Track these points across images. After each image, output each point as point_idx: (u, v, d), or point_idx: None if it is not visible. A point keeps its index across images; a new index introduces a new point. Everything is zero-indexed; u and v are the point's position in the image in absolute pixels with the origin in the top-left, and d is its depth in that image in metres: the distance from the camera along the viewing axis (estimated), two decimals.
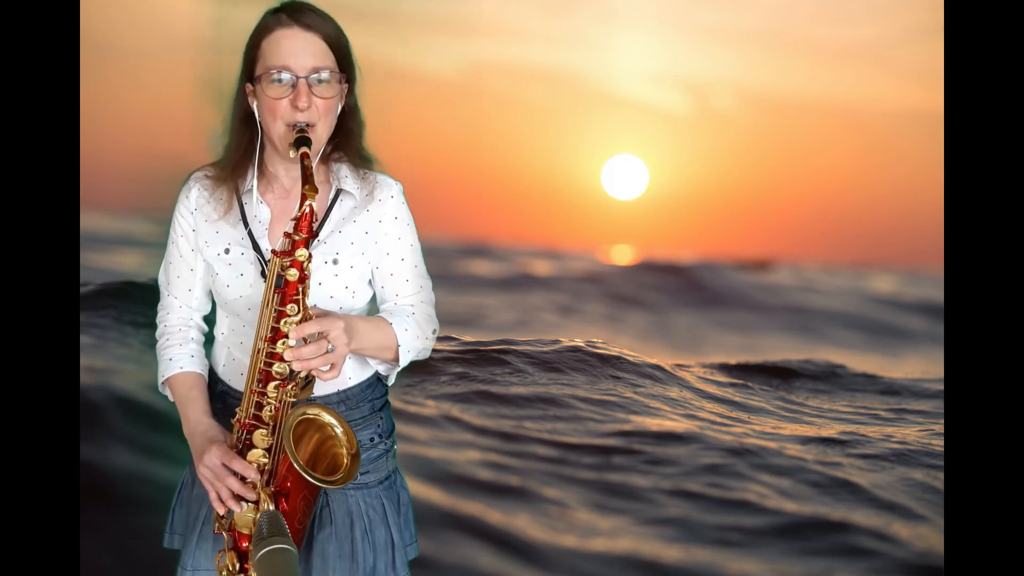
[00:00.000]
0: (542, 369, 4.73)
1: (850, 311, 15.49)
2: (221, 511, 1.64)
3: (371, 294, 1.78)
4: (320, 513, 1.72)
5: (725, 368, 5.60)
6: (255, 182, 1.72)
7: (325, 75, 1.65)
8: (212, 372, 1.81)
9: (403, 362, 1.74)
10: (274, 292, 1.59)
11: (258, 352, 1.62)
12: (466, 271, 17.74)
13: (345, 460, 1.60)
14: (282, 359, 1.59)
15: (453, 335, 5.08)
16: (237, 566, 1.63)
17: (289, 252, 1.58)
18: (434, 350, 1.83)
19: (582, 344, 5.02)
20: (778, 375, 5.61)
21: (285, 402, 1.61)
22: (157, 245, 1.85)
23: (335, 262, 1.71)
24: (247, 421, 1.63)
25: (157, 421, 3.28)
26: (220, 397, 1.77)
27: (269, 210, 1.73)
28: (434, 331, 1.79)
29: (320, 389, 1.72)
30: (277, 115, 1.65)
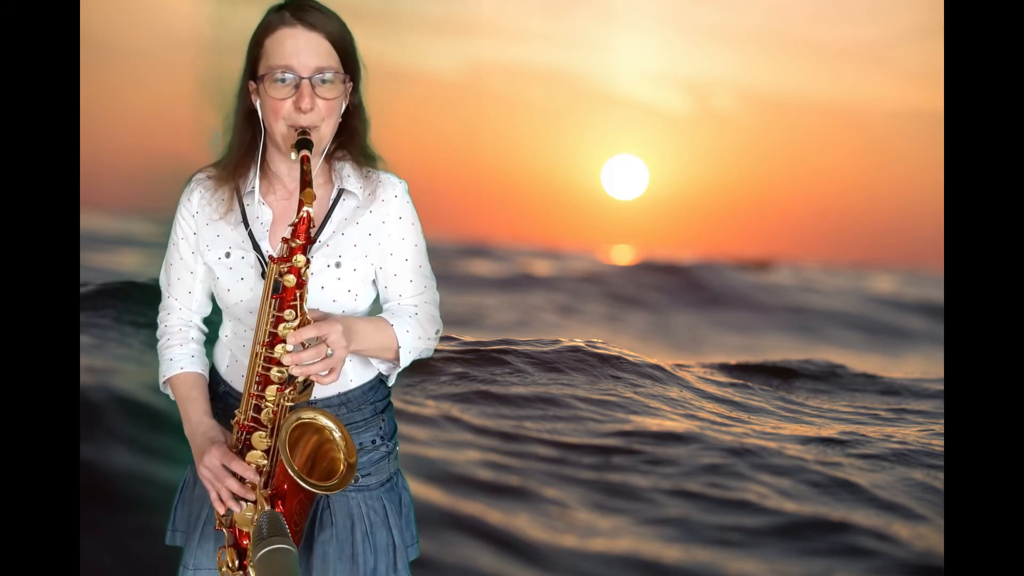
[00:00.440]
0: (542, 369, 4.73)
1: (850, 311, 15.49)
2: (221, 510, 1.64)
3: (374, 295, 1.77)
4: (321, 515, 1.72)
5: (725, 368, 5.60)
6: (257, 182, 1.71)
7: (329, 75, 1.64)
8: (215, 372, 1.80)
9: (403, 363, 1.73)
10: (272, 297, 1.59)
11: (256, 356, 1.61)
12: (466, 271, 17.73)
13: (341, 466, 1.59)
14: (280, 364, 1.58)
15: (453, 335, 5.08)
16: (236, 563, 1.63)
17: (286, 258, 1.57)
18: (435, 350, 1.83)
19: (582, 344, 5.01)
20: (778, 375, 5.61)
21: (283, 406, 1.61)
22: (157, 245, 1.84)
23: (338, 265, 1.70)
24: (246, 423, 1.63)
25: (157, 421, 3.28)
26: (222, 398, 1.77)
27: (271, 211, 1.72)
28: (437, 331, 1.78)
29: (321, 391, 1.71)
30: (280, 115, 1.64)
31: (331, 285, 1.69)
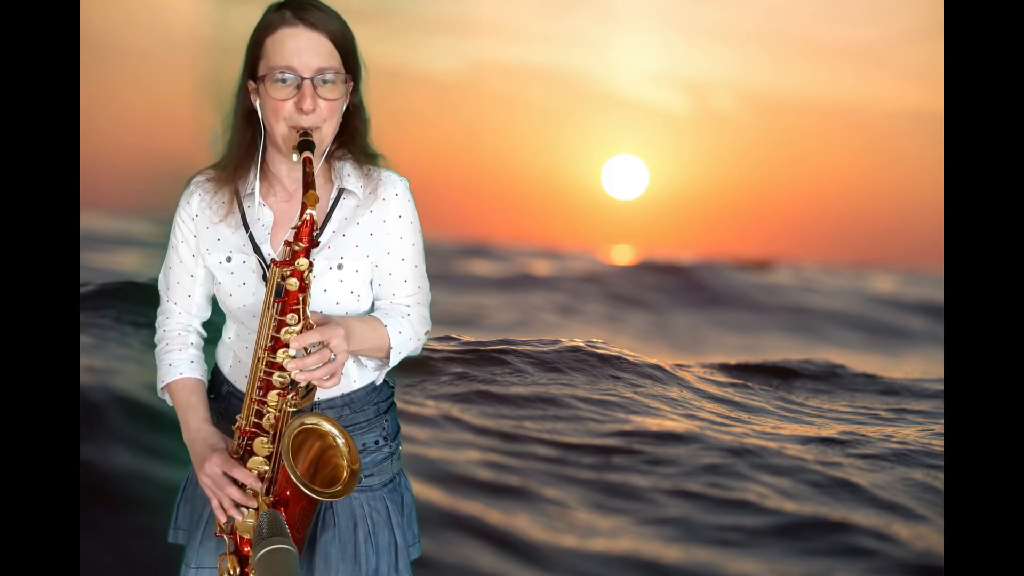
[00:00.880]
0: (542, 369, 4.73)
1: (850, 311, 15.48)
2: (222, 519, 1.63)
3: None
4: (323, 515, 1.72)
5: (725, 368, 5.60)
6: (257, 184, 1.70)
7: (330, 76, 1.62)
8: (218, 373, 1.80)
9: (392, 363, 1.72)
10: (274, 301, 1.57)
11: (258, 361, 1.60)
12: (466, 271, 17.73)
13: (344, 473, 1.58)
14: (282, 368, 1.58)
15: (453, 335, 5.07)
16: (238, 570, 1.63)
17: (289, 262, 1.56)
18: (434, 350, 1.84)
19: (582, 344, 5.01)
20: (778, 375, 5.61)
21: (285, 411, 1.60)
22: (157, 245, 1.84)
23: (340, 267, 1.68)
24: (248, 429, 1.62)
25: (157, 421, 3.27)
26: (226, 398, 1.76)
27: (271, 213, 1.70)
28: (426, 332, 1.77)
29: (325, 392, 1.70)
30: (280, 116, 1.62)
31: (333, 287, 1.68)
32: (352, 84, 1.68)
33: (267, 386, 1.60)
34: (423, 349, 1.80)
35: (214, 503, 1.63)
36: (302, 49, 1.60)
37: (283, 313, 1.57)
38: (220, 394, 1.77)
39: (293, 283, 1.56)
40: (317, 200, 1.54)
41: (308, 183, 1.55)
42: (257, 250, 1.69)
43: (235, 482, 1.61)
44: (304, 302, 1.56)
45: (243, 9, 1.72)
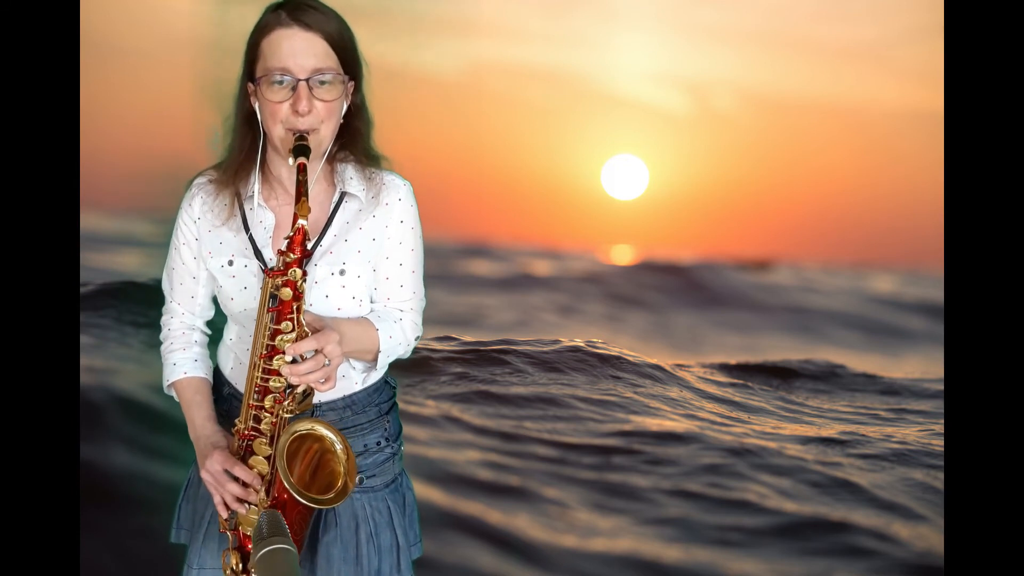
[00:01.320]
0: (542, 369, 4.73)
1: (850, 311, 15.48)
2: (224, 514, 1.64)
3: None
4: (325, 516, 1.71)
5: (725, 368, 5.60)
6: (258, 187, 1.69)
7: (327, 77, 1.60)
8: (219, 374, 1.80)
9: (379, 366, 1.72)
10: (268, 311, 1.57)
11: (254, 368, 1.60)
12: (466, 271, 17.72)
13: (340, 480, 1.58)
14: (279, 375, 1.58)
15: (453, 335, 5.07)
16: (241, 566, 1.63)
17: (282, 271, 1.56)
18: (434, 350, 1.84)
19: (582, 344, 5.01)
20: (778, 375, 5.61)
21: (282, 416, 1.61)
22: (157, 245, 1.84)
23: (342, 272, 1.67)
24: (247, 432, 1.62)
25: (157, 421, 3.28)
26: (227, 399, 1.76)
27: (273, 216, 1.69)
28: (417, 338, 1.77)
29: (327, 394, 1.70)
30: (277, 118, 1.61)
31: (335, 293, 1.67)
32: (352, 85, 1.67)
33: (264, 392, 1.60)
34: (422, 349, 1.80)
35: (216, 499, 1.63)
36: (297, 50, 1.59)
37: (278, 322, 1.57)
38: (221, 395, 1.77)
39: (287, 293, 1.56)
40: (309, 210, 1.54)
41: (300, 192, 1.54)
42: (258, 253, 1.68)
43: (236, 479, 1.61)
44: (299, 310, 1.56)
45: (243, 9, 1.71)
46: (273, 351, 1.57)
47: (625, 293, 15.62)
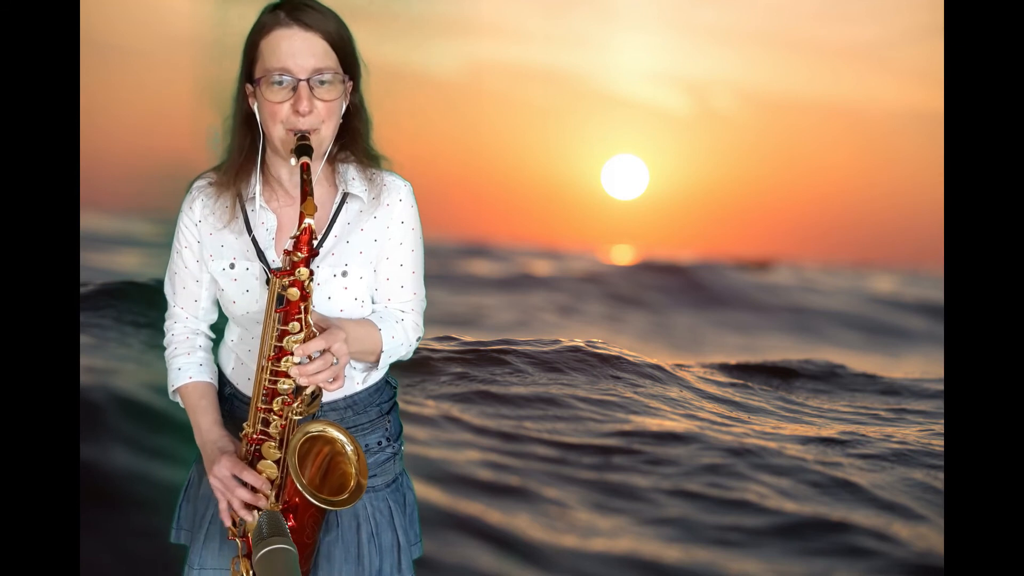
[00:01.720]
0: (542, 369, 4.73)
1: (850, 311, 15.48)
2: (227, 522, 1.63)
3: None
4: (326, 516, 1.71)
5: (725, 368, 5.60)
6: (259, 188, 1.69)
7: (327, 76, 1.60)
8: (220, 374, 1.79)
9: (381, 366, 1.72)
10: (276, 311, 1.57)
11: (262, 370, 1.59)
12: (466, 271, 17.72)
13: (352, 481, 1.58)
14: (287, 376, 1.57)
15: (453, 335, 5.07)
16: (251, 573, 1.62)
17: (289, 271, 1.55)
18: (434, 350, 1.84)
19: (582, 344, 5.01)
20: (778, 375, 5.61)
21: (291, 419, 1.60)
22: (157, 245, 1.84)
23: (344, 274, 1.67)
24: (255, 436, 1.62)
25: (157, 421, 3.28)
26: (228, 400, 1.76)
27: (275, 217, 1.69)
28: (418, 338, 1.76)
29: (327, 394, 1.69)
30: (278, 119, 1.60)
31: (338, 295, 1.67)
32: (351, 84, 1.67)
33: (273, 394, 1.59)
34: (423, 349, 1.80)
35: (222, 505, 1.62)
36: (297, 50, 1.59)
37: (285, 322, 1.56)
38: (223, 395, 1.77)
39: (294, 293, 1.55)
40: (315, 209, 1.53)
41: (306, 191, 1.54)
42: (261, 255, 1.68)
43: (245, 484, 1.61)
44: (306, 311, 1.56)
45: (243, 9, 1.71)
46: (281, 352, 1.57)
47: (625, 293, 15.62)
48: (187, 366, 1.76)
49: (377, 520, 1.74)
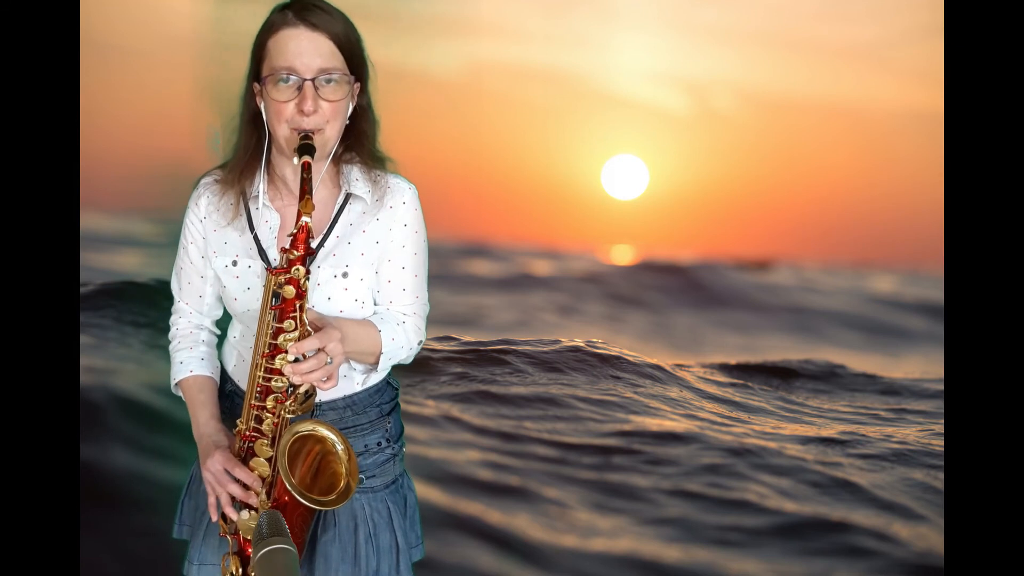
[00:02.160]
0: (542, 369, 4.73)
1: (850, 311, 15.48)
2: (214, 518, 1.64)
3: None
4: (324, 516, 1.71)
5: (725, 368, 5.59)
6: (263, 186, 1.69)
7: (333, 77, 1.61)
8: (222, 370, 1.80)
9: (381, 368, 1.72)
10: (271, 309, 1.57)
11: (256, 367, 1.60)
12: (466, 271, 17.72)
13: (342, 481, 1.58)
14: (281, 374, 1.57)
15: (453, 335, 5.07)
16: (240, 570, 1.63)
17: (285, 269, 1.56)
18: (434, 350, 1.84)
19: (582, 344, 5.01)
20: (778, 375, 5.61)
21: (284, 416, 1.60)
22: (157, 245, 1.85)
23: (345, 275, 1.67)
24: (248, 433, 1.62)
25: (157, 421, 3.28)
26: (229, 396, 1.77)
27: (278, 216, 1.70)
28: (420, 342, 1.76)
29: (327, 394, 1.70)
30: (283, 118, 1.61)
31: (338, 295, 1.67)
32: (359, 86, 1.67)
33: (266, 391, 1.60)
34: (423, 349, 1.80)
35: (211, 500, 1.63)
36: (303, 50, 1.60)
37: (280, 320, 1.57)
38: (224, 392, 1.78)
39: (290, 291, 1.55)
40: (313, 208, 1.54)
41: (305, 190, 1.54)
42: (263, 254, 1.68)
43: (236, 480, 1.61)
44: (301, 309, 1.56)
45: (243, 9, 1.71)
46: (275, 350, 1.57)
47: (625, 293, 15.62)
48: (189, 360, 1.77)
49: (375, 521, 1.74)
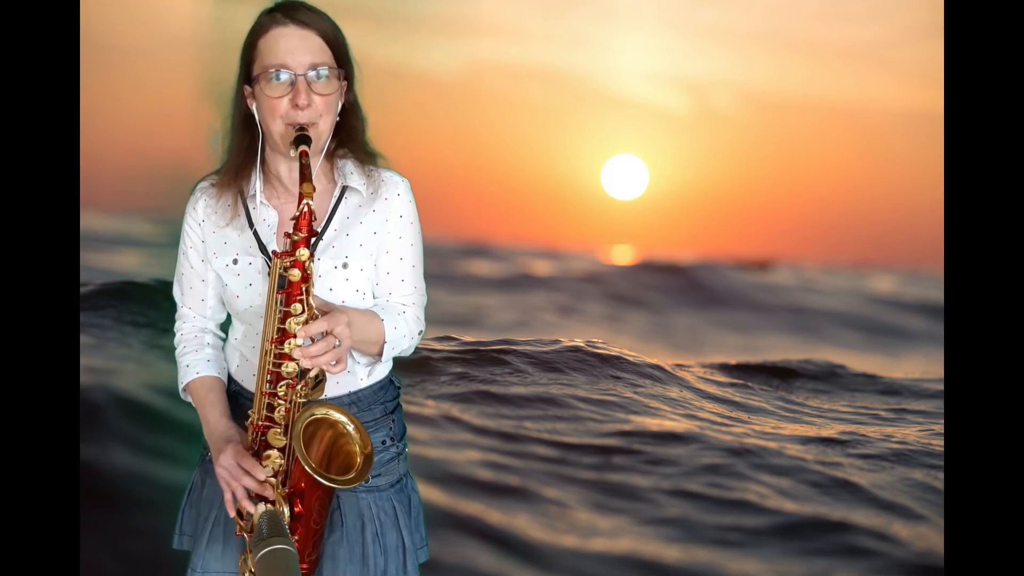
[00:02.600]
0: (542, 369, 4.73)
1: (850, 311, 15.49)
2: (231, 513, 1.64)
3: None
4: (331, 516, 1.71)
5: (725, 368, 5.59)
6: (259, 185, 1.71)
7: (324, 71, 1.64)
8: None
9: (385, 358, 1.73)
10: (277, 293, 1.59)
11: (266, 353, 1.61)
12: (466, 271, 17.73)
13: (358, 459, 1.60)
14: (291, 358, 1.59)
15: (453, 335, 5.07)
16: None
17: (290, 252, 1.57)
18: (434, 350, 1.84)
19: (582, 344, 5.01)
20: (778, 375, 5.61)
21: (296, 402, 1.61)
22: (157, 245, 1.85)
23: (345, 266, 1.69)
24: (260, 423, 1.63)
25: (157, 421, 3.27)
26: (233, 397, 1.77)
27: (276, 213, 1.71)
28: (420, 332, 1.78)
29: (332, 391, 1.71)
30: (277, 114, 1.64)
31: (339, 286, 1.69)
32: (346, 82, 1.70)
33: (276, 378, 1.61)
34: (423, 349, 1.81)
35: (227, 496, 1.63)
36: (294, 47, 1.63)
37: (287, 304, 1.58)
38: (228, 393, 1.78)
39: (295, 274, 1.57)
40: (314, 190, 1.56)
41: (305, 175, 1.57)
42: (263, 250, 1.70)
43: (250, 473, 1.61)
44: (307, 292, 1.58)
45: (243, 9, 1.72)
46: (284, 335, 1.59)
47: (625, 293, 15.62)
48: (195, 362, 1.78)
49: (381, 520, 1.74)
